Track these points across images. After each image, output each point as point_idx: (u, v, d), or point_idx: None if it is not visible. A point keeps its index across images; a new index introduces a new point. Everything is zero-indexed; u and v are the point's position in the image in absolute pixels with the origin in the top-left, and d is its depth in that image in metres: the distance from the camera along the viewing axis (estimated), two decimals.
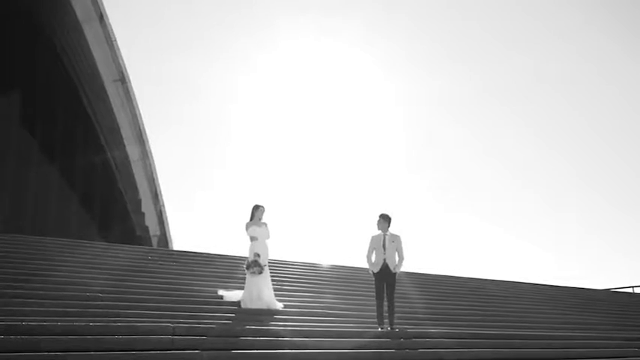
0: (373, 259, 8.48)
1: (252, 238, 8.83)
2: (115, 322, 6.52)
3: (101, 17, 22.05)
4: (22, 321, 5.89)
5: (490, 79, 57.56)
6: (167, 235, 25.37)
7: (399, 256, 8.50)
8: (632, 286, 21.22)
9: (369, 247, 8.55)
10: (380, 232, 8.55)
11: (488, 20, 56.24)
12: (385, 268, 8.35)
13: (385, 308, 8.24)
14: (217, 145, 59.00)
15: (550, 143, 56.78)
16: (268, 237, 8.94)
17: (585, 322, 12.21)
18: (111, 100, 23.56)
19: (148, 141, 24.26)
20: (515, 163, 57.93)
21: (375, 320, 8.28)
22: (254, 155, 58.73)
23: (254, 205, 8.90)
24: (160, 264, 11.14)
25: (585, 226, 56.37)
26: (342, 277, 12.84)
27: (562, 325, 11.30)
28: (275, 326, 7.54)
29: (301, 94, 59.69)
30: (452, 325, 9.45)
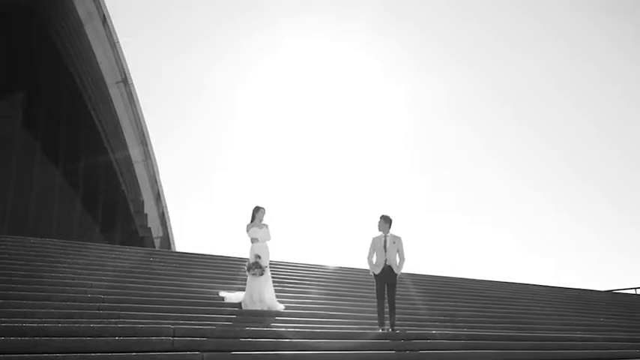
0: (374, 260, 8.48)
1: (253, 240, 8.84)
2: (115, 323, 6.54)
3: (104, 19, 22.11)
4: (23, 322, 5.91)
5: (493, 79, 57.49)
6: (169, 236, 25.38)
7: (400, 257, 8.49)
8: (635, 288, 21.16)
9: (370, 249, 8.55)
10: (381, 233, 8.55)
11: (490, 21, 56.19)
12: (386, 269, 8.35)
13: (386, 309, 8.24)
14: (220, 146, 59.12)
15: (551, 143, 56.65)
16: (269, 238, 8.94)
17: (587, 323, 12.17)
18: (113, 101, 23.59)
19: (150, 142, 24.29)
20: (518, 163, 57.80)
21: (376, 321, 8.28)
22: (257, 156, 58.80)
23: (255, 206, 8.91)
24: (162, 265, 11.15)
25: (587, 227, 56.25)
26: (343, 278, 12.83)
27: (564, 327, 11.27)
28: (276, 327, 7.53)
29: (304, 95, 59.73)
30: (453, 327, 9.42)
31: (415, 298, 11.30)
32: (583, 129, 60.34)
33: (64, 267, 9.42)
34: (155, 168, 24.65)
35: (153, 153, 24.46)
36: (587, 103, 57.82)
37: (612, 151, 56.81)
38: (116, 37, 22.28)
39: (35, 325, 5.86)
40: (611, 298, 17.89)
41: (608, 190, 57.19)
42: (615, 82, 55.75)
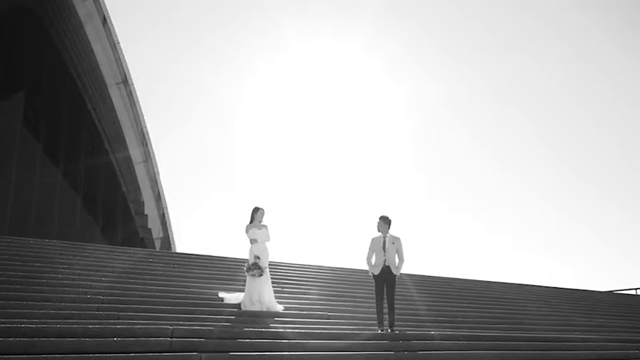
0: (373, 261, 8.47)
1: (253, 241, 8.84)
2: (114, 324, 6.54)
3: (104, 20, 22.16)
4: (22, 323, 5.91)
5: (494, 79, 57.45)
6: (170, 237, 25.41)
7: (399, 258, 8.48)
8: (636, 288, 21.11)
9: (369, 249, 8.54)
10: (380, 234, 8.55)
11: (491, 21, 56.17)
12: (385, 270, 8.34)
13: (385, 310, 8.23)
14: (221, 147, 59.13)
15: (551, 144, 56.61)
16: (268, 239, 8.93)
17: (587, 324, 12.14)
18: (114, 102, 23.64)
19: (150, 143, 24.33)
20: (519, 163, 57.78)
21: (375, 322, 8.28)
22: (258, 157, 58.82)
23: (254, 207, 8.91)
24: (162, 266, 11.16)
25: (587, 227, 56.20)
26: (343, 278, 12.83)
27: (565, 327, 11.25)
28: (275, 328, 7.53)
29: (305, 96, 59.75)
30: (453, 327, 9.41)
31: (414, 298, 11.30)
32: (583, 129, 60.35)
33: (63, 268, 9.43)
34: (155, 169, 24.69)
35: (153, 154, 24.51)
36: (587, 103, 57.87)
37: (613, 151, 56.81)
38: (116, 38, 22.34)
39: (34, 326, 5.86)
40: (612, 298, 17.86)
41: (609, 190, 57.16)
42: (615, 82, 55.77)
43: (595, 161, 58.93)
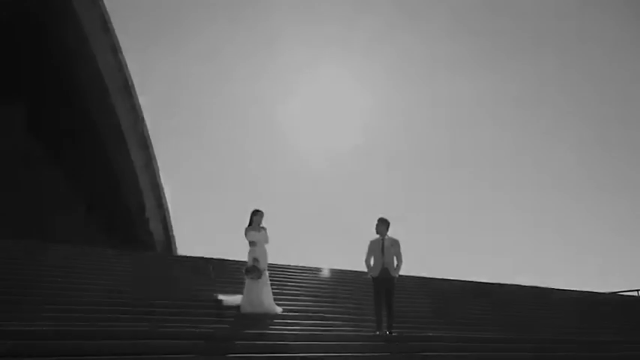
0: (372, 263, 8.47)
1: (251, 243, 8.85)
2: (113, 326, 6.57)
3: (106, 23, 22.25)
4: (20, 326, 5.94)
5: (495, 81, 57.47)
6: (171, 240, 25.40)
7: (397, 260, 8.47)
8: (638, 290, 20.98)
9: (368, 252, 8.54)
10: (378, 236, 8.54)
11: (493, 29, 56.23)
12: (384, 272, 8.33)
13: (384, 312, 8.22)
14: (222, 149, 59.20)
15: (553, 144, 56.58)
16: (267, 242, 8.96)
17: (589, 325, 12.12)
18: (115, 105, 23.70)
19: (152, 146, 24.37)
20: (520, 163, 57.71)
21: (374, 324, 8.27)
22: (258, 159, 58.93)
23: (253, 210, 8.93)
24: (161, 269, 11.19)
25: (590, 229, 56.10)
26: (341, 281, 12.83)
27: (566, 329, 11.23)
28: (273, 330, 7.54)
29: (306, 98, 59.81)
30: (452, 329, 9.40)
31: (413, 300, 11.29)
32: (584, 128, 60.24)
33: (63, 271, 9.46)
34: (157, 172, 24.72)
35: (155, 157, 24.54)
36: (587, 103, 57.76)
37: (614, 151, 56.73)
38: (118, 42, 22.42)
39: (32, 328, 5.89)
40: (614, 300, 17.81)
41: (613, 192, 57.04)
42: (616, 82, 55.64)
43: (597, 160, 58.84)
